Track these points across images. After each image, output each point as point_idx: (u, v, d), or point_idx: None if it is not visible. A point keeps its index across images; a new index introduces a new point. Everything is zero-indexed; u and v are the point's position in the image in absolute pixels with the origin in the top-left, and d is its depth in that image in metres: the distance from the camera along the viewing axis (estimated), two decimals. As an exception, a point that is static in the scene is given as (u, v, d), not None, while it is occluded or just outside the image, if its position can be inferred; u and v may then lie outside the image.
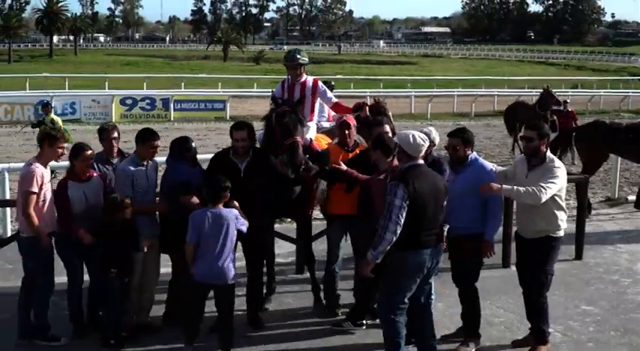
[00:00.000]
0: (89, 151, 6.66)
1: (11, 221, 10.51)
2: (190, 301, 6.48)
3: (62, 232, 6.67)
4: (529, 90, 36.52)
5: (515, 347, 6.84)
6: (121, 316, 6.67)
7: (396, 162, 6.27)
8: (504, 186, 6.26)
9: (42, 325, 6.76)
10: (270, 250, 7.69)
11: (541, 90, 20.05)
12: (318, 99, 7.98)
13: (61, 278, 6.93)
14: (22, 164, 12.50)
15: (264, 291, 7.66)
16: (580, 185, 10.11)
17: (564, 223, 6.58)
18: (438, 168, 6.51)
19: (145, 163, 6.86)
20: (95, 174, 6.78)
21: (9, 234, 9.68)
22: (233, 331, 6.50)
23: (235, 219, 6.28)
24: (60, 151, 6.65)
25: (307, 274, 8.14)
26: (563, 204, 6.56)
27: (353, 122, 7.34)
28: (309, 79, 7.87)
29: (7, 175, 10.57)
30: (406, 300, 6.05)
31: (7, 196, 10.63)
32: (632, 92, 40.22)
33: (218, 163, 7.02)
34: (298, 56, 7.81)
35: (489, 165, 6.83)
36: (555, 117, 17.92)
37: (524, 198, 6.29)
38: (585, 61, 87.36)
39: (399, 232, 5.75)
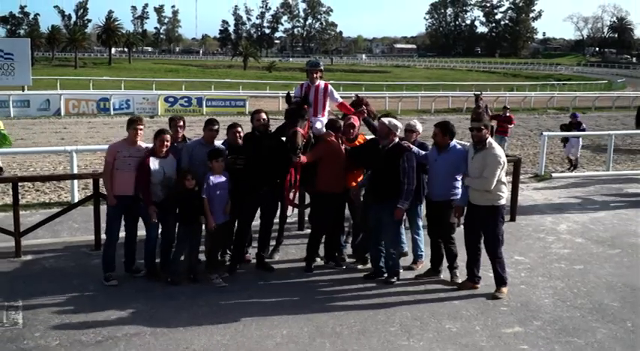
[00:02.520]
0: (164, 134, 6.61)
1: (78, 190, 10.39)
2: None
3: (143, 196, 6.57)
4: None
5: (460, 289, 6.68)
6: (177, 262, 6.65)
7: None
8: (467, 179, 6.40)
9: (106, 266, 6.66)
10: (284, 212, 7.60)
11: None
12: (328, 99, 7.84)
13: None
14: (87, 146, 12.46)
15: (274, 243, 7.64)
16: (515, 164, 10.01)
17: (505, 194, 6.47)
18: (424, 147, 6.96)
19: (207, 143, 6.86)
20: (171, 153, 6.69)
21: (76, 200, 9.56)
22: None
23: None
24: (140, 132, 6.57)
25: (307, 231, 8.08)
26: (504, 179, 6.41)
27: (357, 123, 7.27)
28: (321, 83, 7.74)
29: (74, 155, 10.43)
30: None
31: (75, 171, 10.51)
32: (557, 94, 39.91)
33: (247, 140, 7.02)
34: (321, 63, 7.98)
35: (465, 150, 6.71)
36: (495, 121, 15.61)
37: (475, 185, 6.33)
38: (520, 70, 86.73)
39: None
